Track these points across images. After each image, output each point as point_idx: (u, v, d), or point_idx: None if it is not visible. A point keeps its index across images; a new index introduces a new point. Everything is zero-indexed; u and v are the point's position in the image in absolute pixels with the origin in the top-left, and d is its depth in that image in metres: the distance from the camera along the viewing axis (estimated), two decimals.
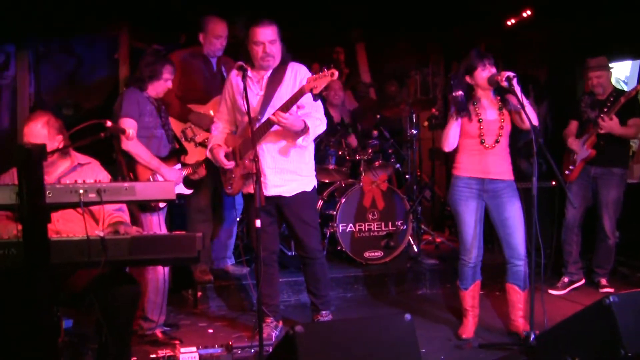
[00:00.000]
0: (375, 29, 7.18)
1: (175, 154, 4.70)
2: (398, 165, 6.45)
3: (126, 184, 3.01)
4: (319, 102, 4.37)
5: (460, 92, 4.34)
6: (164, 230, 4.43)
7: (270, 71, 4.33)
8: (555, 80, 5.52)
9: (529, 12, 6.47)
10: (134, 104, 4.45)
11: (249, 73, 4.30)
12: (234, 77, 4.36)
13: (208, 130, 5.03)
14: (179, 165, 4.67)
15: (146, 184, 3.30)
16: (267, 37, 4.23)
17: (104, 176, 3.75)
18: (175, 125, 5.02)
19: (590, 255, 5.74)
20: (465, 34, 7.24)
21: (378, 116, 6.45)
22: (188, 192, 4.79)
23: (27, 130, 3.52)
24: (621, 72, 6.47)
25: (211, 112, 5.12)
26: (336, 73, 3.96)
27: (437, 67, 7.63)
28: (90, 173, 3.65)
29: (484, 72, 4.30)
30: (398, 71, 7.53)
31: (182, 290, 5.52)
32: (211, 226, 5.38)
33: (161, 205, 4.43)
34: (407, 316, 3.15)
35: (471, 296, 4.63)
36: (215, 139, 4.49)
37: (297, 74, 4.34)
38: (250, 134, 4.04)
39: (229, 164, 4.38)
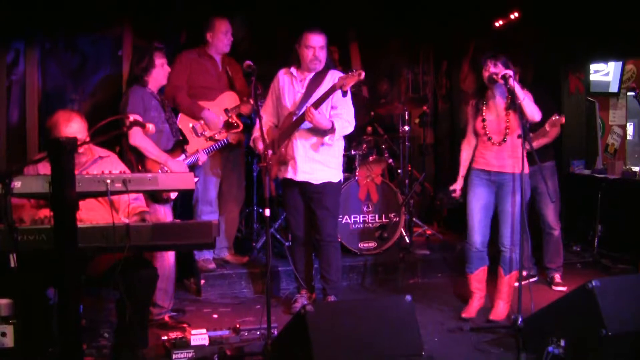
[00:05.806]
0: (368, 28, 7.38)
1: (179, 146, 4.92)
2: (391, 160, 6.70)
3: (149, 175, 3.26)
4: (351, 105, 4.83)
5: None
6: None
7: (313, 74, 4.79)
8: (540, 81, 5.74)
9: (516, 14, 6.68)
10: (139, 100, 4.66)
11: (294, 72, 4.82)
12: (282, 75, 4.89)
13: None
14: (182, 156, 4.88)
15: (168, 175, 3.53)
16: (317, 43, 4.73)
17: (122, 168, 3.98)
18: (186, 121, 5.25)
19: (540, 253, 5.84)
20: (456, 34, 7.46)
21: (372, 113, 6.69)
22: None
23: (65, 125, 3.67)
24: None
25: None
26: (363, 73, 4.44)
27: (428, 66, 7.86)
28: (110, 165, 3.87)
29: (485, 72, 4.64)
30: (390, 70, 7.73)
31: (183, 278, 5.70)
32: (217, 217, 5.55)
33: (172, 196, 4.65)
34: (408, 297, 3.41)
35: (476, 279, 4.93)
36: (258, 130, 4.82)
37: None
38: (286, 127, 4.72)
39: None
